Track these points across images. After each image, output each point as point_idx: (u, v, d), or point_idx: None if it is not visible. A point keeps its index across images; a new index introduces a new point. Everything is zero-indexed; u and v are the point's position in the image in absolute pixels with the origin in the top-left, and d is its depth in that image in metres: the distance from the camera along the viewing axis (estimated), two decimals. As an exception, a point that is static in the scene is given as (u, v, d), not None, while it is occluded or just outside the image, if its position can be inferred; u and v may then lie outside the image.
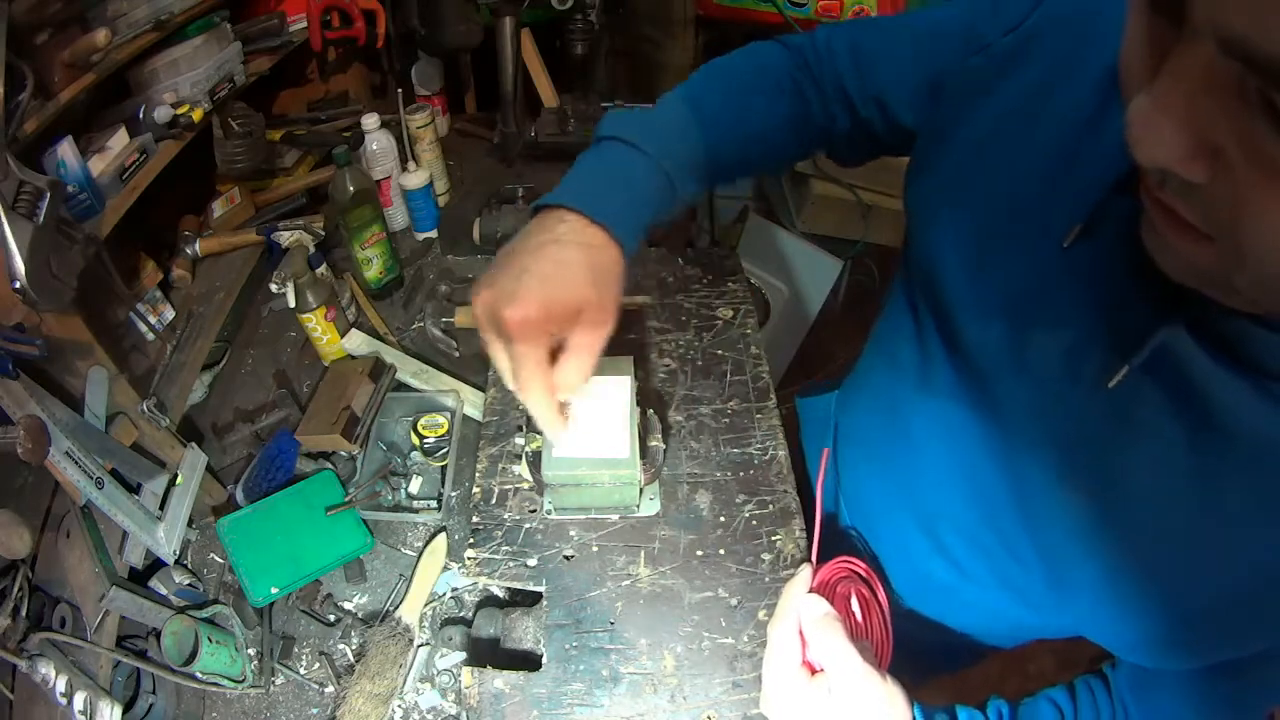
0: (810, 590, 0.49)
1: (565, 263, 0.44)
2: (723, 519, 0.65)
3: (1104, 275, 0.40)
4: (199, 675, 0.67)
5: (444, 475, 0.83)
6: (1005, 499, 0.48)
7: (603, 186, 0.49)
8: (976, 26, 0.50)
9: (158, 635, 0.69)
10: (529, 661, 0.62)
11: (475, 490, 0.68)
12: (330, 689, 0.71)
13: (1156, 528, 0.40)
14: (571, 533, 0.67)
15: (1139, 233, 0.36)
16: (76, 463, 0.60)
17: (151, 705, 0.69)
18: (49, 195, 0.56)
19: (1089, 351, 0.41)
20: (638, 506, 0.65)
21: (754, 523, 0.65)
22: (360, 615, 0.76)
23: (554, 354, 0.46)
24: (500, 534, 0.67)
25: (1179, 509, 0.39)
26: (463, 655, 0.68)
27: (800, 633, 0.47)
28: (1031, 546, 0.47)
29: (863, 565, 0.52)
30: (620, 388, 0.63)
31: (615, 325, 0.46)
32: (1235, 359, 0.35)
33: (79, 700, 0.61)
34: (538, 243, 0.45)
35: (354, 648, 0.73)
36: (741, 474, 0.69)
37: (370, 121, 1.05)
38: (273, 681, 0.71)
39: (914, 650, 0.67)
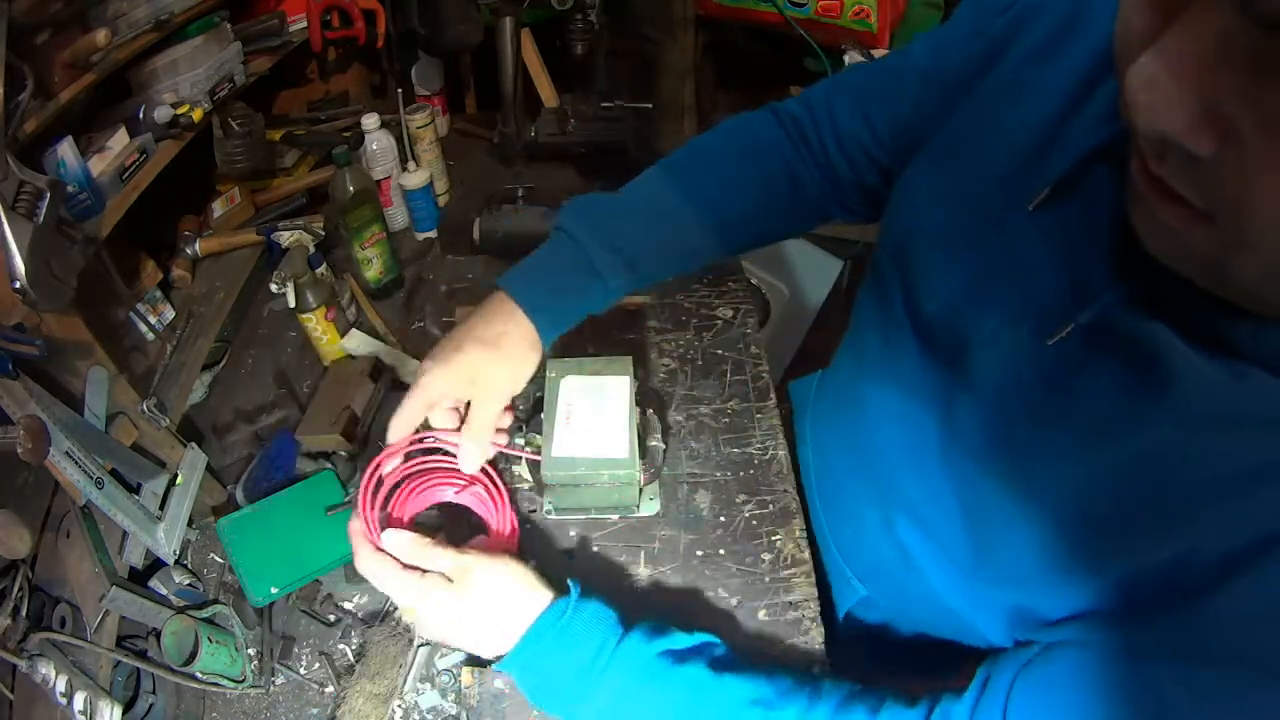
0: (378, 529, 0.58)
1: (495, 366, 0.57)
2: (723, 519, 0.65)
3: (1067, 239, 0.40)
4: (199, 675, 0.67)
5: (444, 475, 0.83)
6: (939, 467, 0.48)
7: (553, 296, 0.60)
8: (974, 22, 0.51)
9: (158, 635, 0.69)
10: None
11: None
12: (330, 689, 0.70)
13: (1080, 489, 0.39)
14: (571, 533, 0.67)
15: (1109, 201, 0.35)
16: (76, 463, 0.60)
17: (151, 705, 0.69)
18: (49, 195, 0.56)
19: (1037, 312, 0.40)
20: (638, 506, 0.65)
21: (754, 522, 0.65)
22: (360, 615, 0.76)
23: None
24: (500, 534, 0.67)
25: (1108, 469, 0.37)
26: (463, 655, 0.68)
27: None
28: (960, 515, 0.47)
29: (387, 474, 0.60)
30: (620, 387, 0.63)
31: (506, 400, 0.59)
32: (1195, 334, 0.34)
33: (79, 700, 0.60)
34: (479, 340, 0.58)
35: (354, 648, 0.73)
36: (741, 474, 0.69)
37: (370, 121, 1.05)
38: (273, 681, 0.71)
39: (884, 647, 0.67)
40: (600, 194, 0.64)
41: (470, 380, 0.57)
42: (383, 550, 0.56)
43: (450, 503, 0.65)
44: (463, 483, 0.63)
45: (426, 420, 0.59)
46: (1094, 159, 0.38)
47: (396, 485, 0.62)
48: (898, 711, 0.47)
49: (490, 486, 0.62)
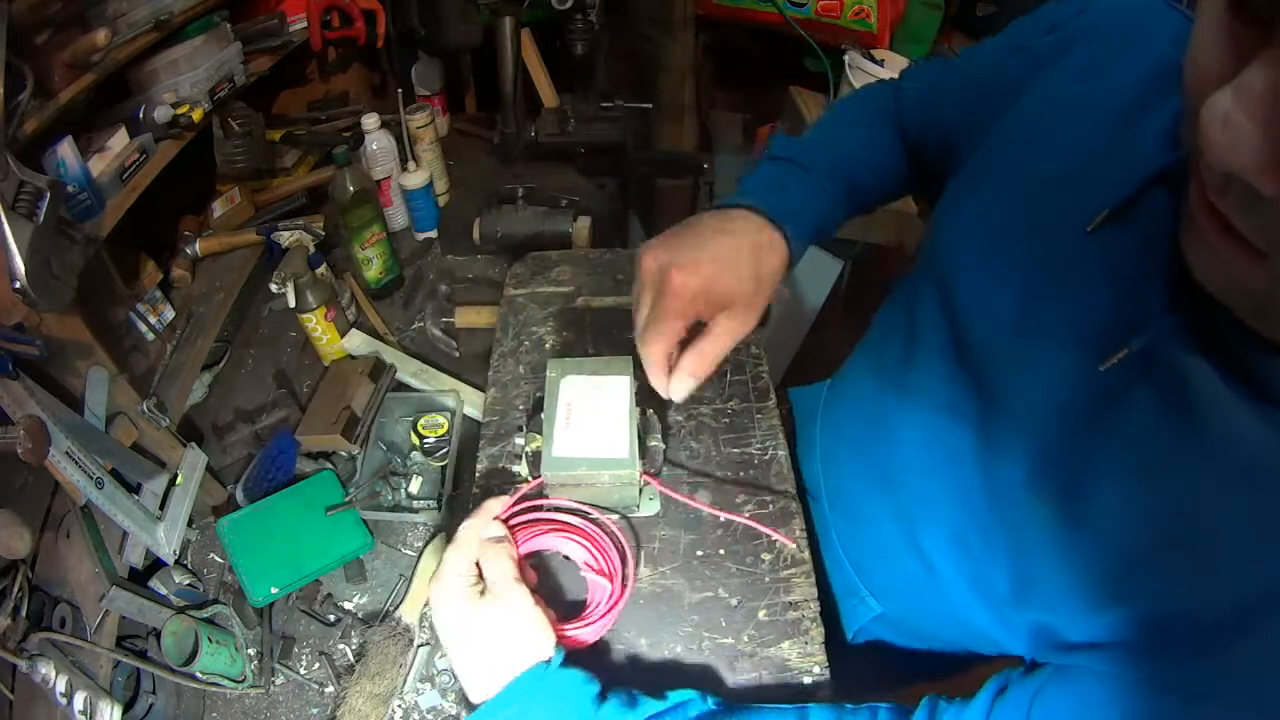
0: (498, 516, 0.55)
1: (738, 253, 0.50)
2: (723, 519, 0.65)
3: (1122, 264, 0.39)
4: (199, 675, 0.68)
5: (444, 475, 0.83)
6: (980, 485, 0.47)
7: (778, 194, 0.55)
8: (1015, 37, 0.53)
9: (158, 635, 0.69)
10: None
11: (475, 490, 0.68)
12: (330, 689, 0.71)
13: (1120, 522, 0.39)
14: (571, 533, 0.67)
15: (1167, 227, 0.35)
16: (76, 463, 0.60)
17: (151, 705, 0.69)
18: (49, 195, 0.56)
19: (1089, 335, 0.40)
20: (638, 506, 0.65)
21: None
22: (360, 615, 0.76)
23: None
24: (500, 534, 0.67)
25: (1147, 507, 0.37)
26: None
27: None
28: (1002, 536, 0.46)
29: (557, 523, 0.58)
30: (620, 387, 0.63)
31: (755, 326, 0.50)
32: (1239, 373, 0.33)
33: (79, 700, 0.61)
34: (716, 228, 0.51)
35: (354, 648, 0.73)
36: (741, 474, 0.69)
37: (370, 121, 1.05)
38: (273, 681, 0.71)
39: (892, 658, 0.67)
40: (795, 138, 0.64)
41: (725, 301, 0.48)
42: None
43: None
44: (600, 566, 0.57)
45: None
46: (1153, 183, 0.38)
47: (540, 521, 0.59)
48: None
49: (619, 591, 0.56)
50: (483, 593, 0.50)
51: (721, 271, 0.49)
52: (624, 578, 0.56)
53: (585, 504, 0.61)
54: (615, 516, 0.61)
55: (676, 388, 0.49)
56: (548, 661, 0.48)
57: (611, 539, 0.58)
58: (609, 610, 0.55)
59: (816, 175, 0.58)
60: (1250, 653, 0.34)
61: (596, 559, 0.57)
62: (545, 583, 0.59)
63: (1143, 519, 0.38)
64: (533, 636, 0.49)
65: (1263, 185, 0.24)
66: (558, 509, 0.60)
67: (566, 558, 0.60)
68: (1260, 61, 0.24)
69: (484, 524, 0.55)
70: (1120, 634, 0.39)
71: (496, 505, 0.56)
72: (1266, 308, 0.29)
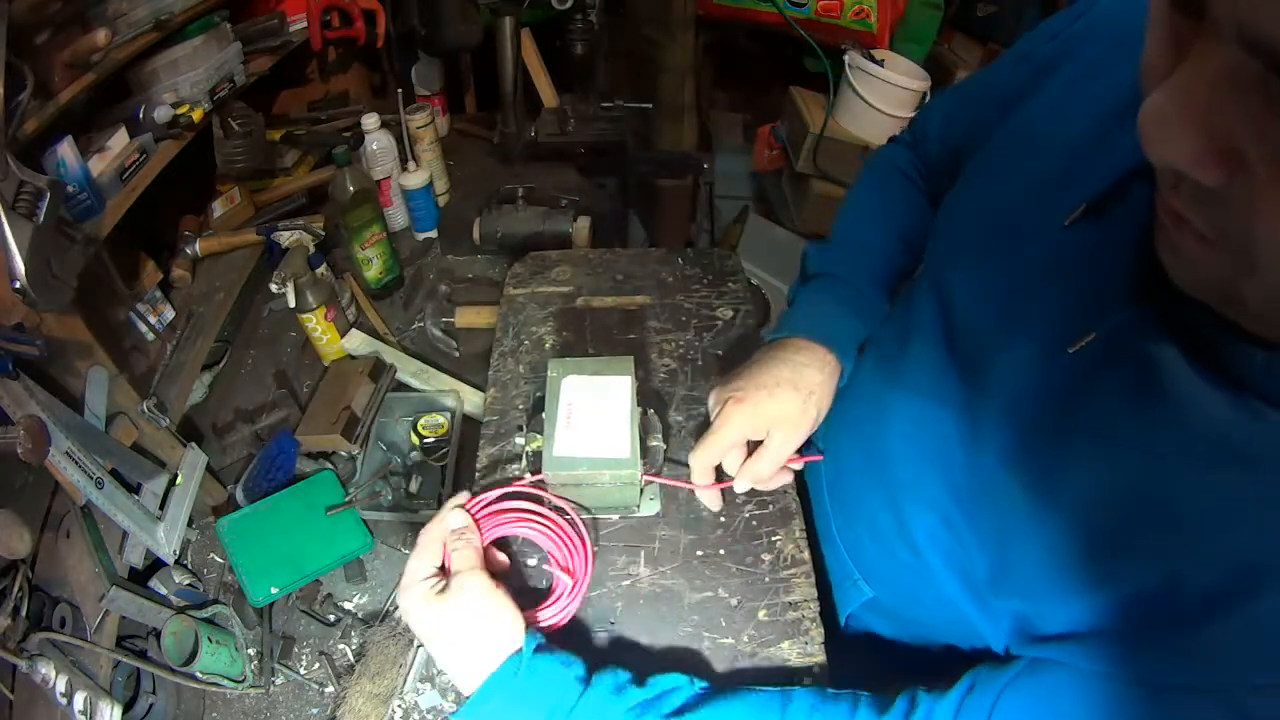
0: (464, 506, 0.57)
1: (785, 376, 0.59)
2: (723, 519, 0.65)
3: (1096, 254, 0.40)
4: (199, 675, 0.68)
5: (444, 475, 0.84)
6: (964, 470, 0.48)
7: (826, 322, 0.63)
8: (1024, 46, 0.54)
9: (158, 635, 0.70)
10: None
11: (475, 490, 0.68)
12: (330, 689, 0.71)
13: (1091, 504, 0.39)
14: (571, 533, 0.67)
15: (1143, 218, 0.35)
16: (76, 463, 0.60)
17: (151, 705, 0.69)
18: (49, 195, 0.56)
19: (1061, 322, 0.41)
20: (638, 506, 0.65)
21: (754, 523, 0.65)
22: (360, 615, 0.76)
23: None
24: (500, 534, 0.67)
25: (1117, 490, 0.38)
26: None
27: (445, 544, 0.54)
28: (983, 520, 0.47)
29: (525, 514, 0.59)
30: (620, 387, 0.63)
31: (809, 432, 0.59)
32: (1208, 359, 0.34)
33: (79, 700, 0.61)
34: (769, 358, 0.60)
35: (354, 648, 0.73)
36: (741, 474, 0.69)
37: (370, 121, 1.05)
38: (273, 681, 0.71)
39: (884, 652, 0.67)
40: (828, 240, 0.69)
41: (774, 420, 0.58)
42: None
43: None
44: (564, 553, 0.58)
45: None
46: (1132, 177, 0.39)
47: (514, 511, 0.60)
48: (872, 715, 0.47)
49: (581, 582, 0.57)
50: (443, 589, 0.51)
51: (768, 396, 0.57)
52: (585, 561, 0.58)
53: (571, 501, 0.62)
54: (571, 506, 0.61)
55: (733, 489, 0.61)
56: (519, 652, 0.49)
57: (570, 525, 0.60)
58: (573, 597, 0.56)
59: (860, 286, 0.64)
60: (1219, 638, 0.34)
61: (559, 545, 0.59)
62: (514, 571, 0.61)
63: (1113, 502, 0.38)
64: (501, 625, 0.50)
65: (1201, 177, 0.25)
66: (519, 494, 0.61)
67: (521, 547, 0.62)
68: (1191, 57, 0.24)
69: (443, 528, 0.56)
70: (1093, 622, 0.39)
71: (456, 509, 0.58)
72: (1231, 294, 0.30)
